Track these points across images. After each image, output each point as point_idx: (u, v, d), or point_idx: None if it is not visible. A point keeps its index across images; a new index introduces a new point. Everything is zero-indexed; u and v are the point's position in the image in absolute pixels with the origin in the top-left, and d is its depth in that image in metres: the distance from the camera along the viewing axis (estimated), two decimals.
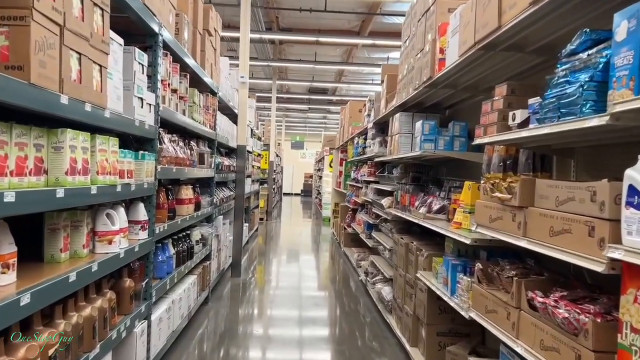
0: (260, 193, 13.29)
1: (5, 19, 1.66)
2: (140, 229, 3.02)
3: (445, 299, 3.09)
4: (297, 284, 6.75)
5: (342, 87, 19.56)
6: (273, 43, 13.94)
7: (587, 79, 1.68)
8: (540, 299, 1.93)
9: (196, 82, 4.64)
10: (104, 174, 2.38)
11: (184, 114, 4.08)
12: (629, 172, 1.44)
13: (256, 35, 11.42)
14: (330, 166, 13.87)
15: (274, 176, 17.23)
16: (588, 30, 1.77)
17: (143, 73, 2.94)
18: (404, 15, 4.80)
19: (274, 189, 17.39)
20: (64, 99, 1.92)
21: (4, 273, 1.81)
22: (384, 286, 5.30)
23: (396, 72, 5.08)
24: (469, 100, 4.07)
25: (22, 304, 1.69)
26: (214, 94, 5.37)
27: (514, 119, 2.38)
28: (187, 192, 4.27)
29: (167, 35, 3.39)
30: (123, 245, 2.70)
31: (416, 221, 3.90)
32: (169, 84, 3.59)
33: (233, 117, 7.05)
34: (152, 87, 3.15)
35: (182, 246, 4.11)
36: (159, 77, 3.23)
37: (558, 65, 1.92)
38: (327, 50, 14.56)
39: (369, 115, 7.16)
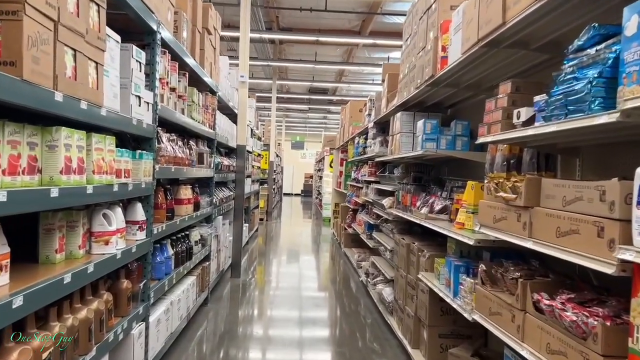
0: (260, 193, 13.25)
1: None
2: (138, 230, 2.98)
3: (448, 300, 3.05)
4: (297, 285, 6.70)
5: (342, 87, 19.54)
6: (273, 43, 13.90)
7: (595, 75, 1.64)
8: (547, 302, 1.89)
9: (195, 81, 4.59)
10: (100, 174, 2.34)
11: (182, 113, 4.04)
12: None
13: (256, 35, 11.39)
14: (331, 166, 13.83)
15: (274, 176, 17.20)
16: (596, 25, 1.73)
17: (141, 71, 2.90)
18: (404, 15, 4.76)
19: (274, 189, 17.36)
20: (59, 96, 1.88)
21: None
22: (385, 287, 5.25)
23: (397, 71, 5.04)
24: (471, 99, 4.03)
25: (14, 306, 1.65)
26: (213, 93, 5.33)
27: (519, 117, 2.34)
28: (186, 192, 4.23)
29: (165, 33, 3.35)
30: (120, 246, 2.65)
31: (418, 221, 3.85)
32: (167, 83, 3.55)
33: (233, 117, 7.02)
34: (150, 86, 3.11)
35: (181, 247, 4.07)
36: (157, 76, 3.19)
37: (565, 62, 1.87)
38: (327, 50, 14.52)
39: (369, 114, 7.12)
